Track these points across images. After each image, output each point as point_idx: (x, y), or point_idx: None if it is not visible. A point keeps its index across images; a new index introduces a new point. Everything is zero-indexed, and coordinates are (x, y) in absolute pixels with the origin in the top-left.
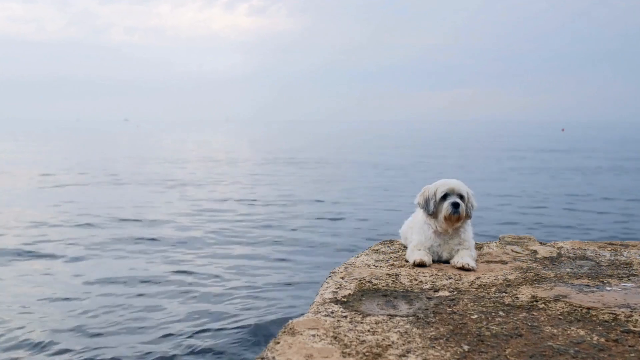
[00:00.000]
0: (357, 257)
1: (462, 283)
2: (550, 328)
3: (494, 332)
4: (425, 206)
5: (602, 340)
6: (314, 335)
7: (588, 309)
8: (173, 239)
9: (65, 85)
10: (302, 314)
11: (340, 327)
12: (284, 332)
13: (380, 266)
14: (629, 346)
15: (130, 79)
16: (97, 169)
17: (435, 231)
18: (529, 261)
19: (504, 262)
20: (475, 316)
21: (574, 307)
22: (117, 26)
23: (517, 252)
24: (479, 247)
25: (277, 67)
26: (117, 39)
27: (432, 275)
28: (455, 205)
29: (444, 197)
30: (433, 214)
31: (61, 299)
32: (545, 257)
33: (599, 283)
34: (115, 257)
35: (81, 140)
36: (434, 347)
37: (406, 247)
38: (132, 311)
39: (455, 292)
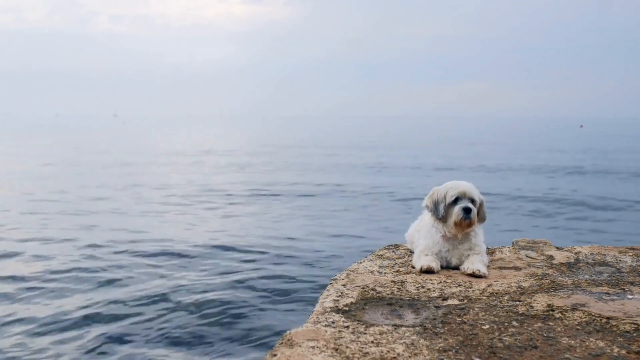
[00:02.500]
0: (360, 262)
1: (473, 291)
2: (567, 339)
3: (507, 343)
4: (434, 210)
5: (623, 352)
6: (313, 347)
7: (608, 318)
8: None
9: (47, 78)
10: (301, 325)
11: (341, 338)
12: (282, 343)
13: (385, 272)
14: None
15: (117, 71)
16: None
17: (443, 235)
18: (544, 267)
19: (517, 268)
20: (487, 326)
21: (593, 317)
22: (102, 15)
23: (531, 258)
24: (490, 252)
25: (274, 58)
26: (102, 28)
27: (441, 282)
28: (467, 211)
29: (455, 200)
30: (442, 219)
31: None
32: (562, 263)
33: (619, 291)
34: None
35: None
36: (442, 359)
37: (412, 252)
38: (121, 322)
39: (465, 301)
